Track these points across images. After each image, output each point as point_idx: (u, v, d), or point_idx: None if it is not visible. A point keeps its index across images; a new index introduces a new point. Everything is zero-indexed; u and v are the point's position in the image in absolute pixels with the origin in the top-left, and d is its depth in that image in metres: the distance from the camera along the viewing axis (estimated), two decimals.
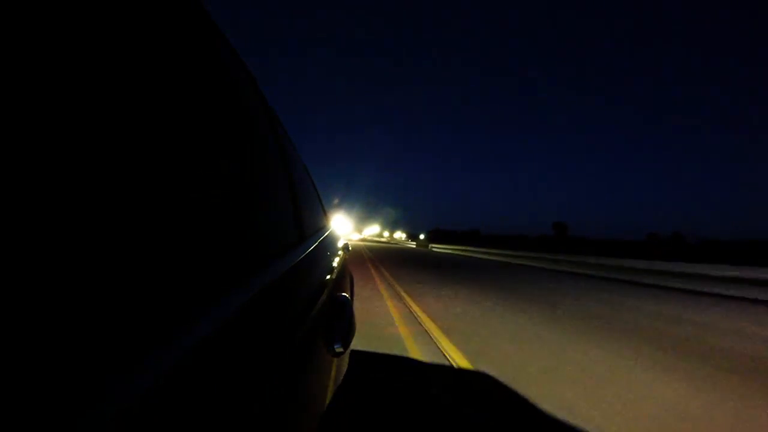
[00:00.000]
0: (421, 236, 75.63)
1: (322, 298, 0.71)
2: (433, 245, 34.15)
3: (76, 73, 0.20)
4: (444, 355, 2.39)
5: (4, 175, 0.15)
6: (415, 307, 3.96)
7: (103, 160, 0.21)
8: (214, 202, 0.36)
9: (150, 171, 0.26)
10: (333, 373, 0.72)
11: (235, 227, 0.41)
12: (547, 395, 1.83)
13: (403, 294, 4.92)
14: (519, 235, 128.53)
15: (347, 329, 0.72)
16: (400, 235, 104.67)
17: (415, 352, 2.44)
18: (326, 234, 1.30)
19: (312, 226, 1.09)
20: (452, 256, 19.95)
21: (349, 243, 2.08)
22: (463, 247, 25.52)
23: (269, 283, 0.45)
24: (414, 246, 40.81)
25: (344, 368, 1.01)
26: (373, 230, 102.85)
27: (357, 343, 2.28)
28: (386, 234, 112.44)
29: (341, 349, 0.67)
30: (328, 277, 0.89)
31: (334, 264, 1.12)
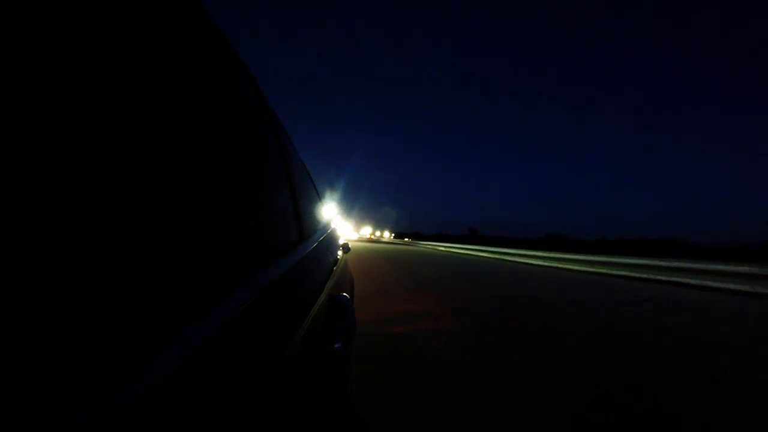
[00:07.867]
0: (388, 235, 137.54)
1: (322, 298, 0.70)
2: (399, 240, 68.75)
3: (76, 74, 0.20)
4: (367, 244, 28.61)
5: (8, 176, 0.16)
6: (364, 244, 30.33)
7: (103, 160, 0.21)
8: (214, 202, 0.36)
9: (149, 171, 0.26)
10: (335, 374, 0.72)
11: (235, 227, 0.41)
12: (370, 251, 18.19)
13: (361, 248, 22.13)
14: (447, 234, 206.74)
15: (347, 329, 0.71)
16: (387, 234, 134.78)
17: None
18: (326, 234, 1.29)
19: (312, 226, 1.08)
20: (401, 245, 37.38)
21: (349, 243, 2.07)
22: (423, 242, 47.28)
23: (269, 282, 0.45)
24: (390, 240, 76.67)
25: (349, 371, 1.00)
26: (367, 231, 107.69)
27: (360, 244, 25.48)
28: (377, 233, 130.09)
29: (341, 350, 0.66)
30: (328, 276, 0.89)
31: (335, 264, 1.12)
